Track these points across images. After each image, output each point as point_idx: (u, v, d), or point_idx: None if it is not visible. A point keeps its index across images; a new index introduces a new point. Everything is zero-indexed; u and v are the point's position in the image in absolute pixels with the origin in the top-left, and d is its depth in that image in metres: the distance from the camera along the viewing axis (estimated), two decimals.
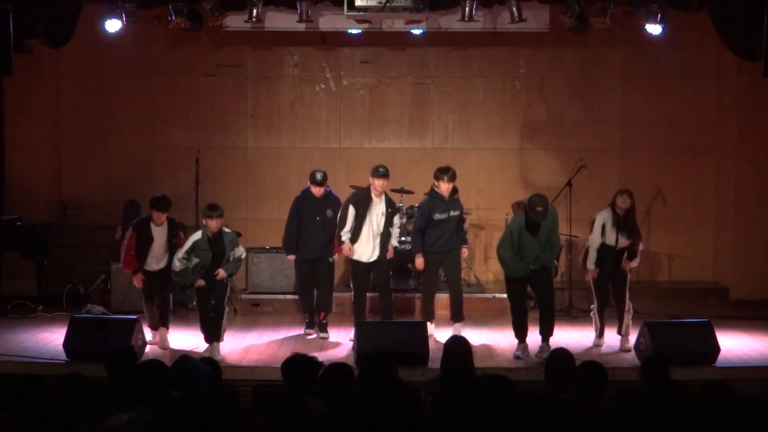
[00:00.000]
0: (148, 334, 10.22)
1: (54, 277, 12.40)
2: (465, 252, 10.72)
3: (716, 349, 9.25)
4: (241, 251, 9.92)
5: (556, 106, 13.70)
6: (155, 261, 10.18)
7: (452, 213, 10.50)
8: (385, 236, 10.58)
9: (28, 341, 10.22)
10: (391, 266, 10.86)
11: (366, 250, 10.54)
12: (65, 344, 9.27)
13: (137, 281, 10.21)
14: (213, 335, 9.78)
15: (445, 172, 10.45)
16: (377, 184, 10.49)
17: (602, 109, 13.67)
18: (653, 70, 13.51)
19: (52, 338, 10.24)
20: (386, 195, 10.71)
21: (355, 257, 10.55)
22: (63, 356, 9.25)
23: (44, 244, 12.23)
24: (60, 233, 12.74)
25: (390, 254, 10.69)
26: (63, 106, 13.57)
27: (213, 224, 9.66)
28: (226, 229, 9.88)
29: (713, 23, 10.92)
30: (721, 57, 12.85)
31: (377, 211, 10.55)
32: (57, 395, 5.48)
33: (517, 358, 9.66)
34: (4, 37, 10.07)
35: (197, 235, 9.77)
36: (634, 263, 10.27)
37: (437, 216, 10.44)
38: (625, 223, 10.11)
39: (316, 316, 10.81)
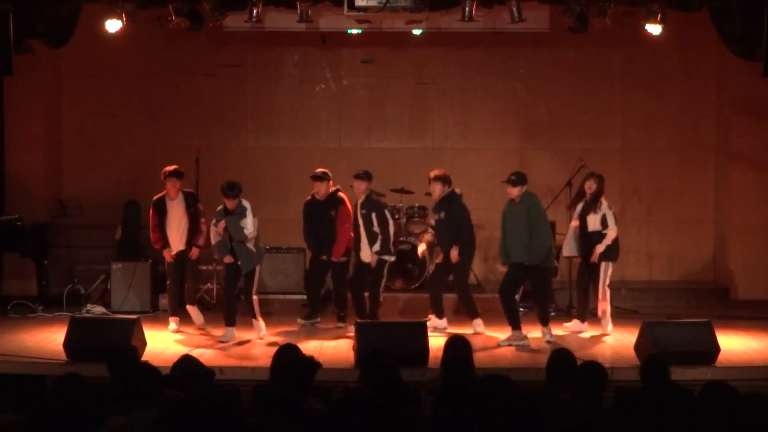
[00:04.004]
0: (172, 324, 10.77)
1: (54, 277, 12.40)
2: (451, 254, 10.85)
3: (716, 349, 9.25)
4: (248, 222, 10.20)
5: (556, 106, 13.71)
6: (176, 238, 10.78)
7: (440, 215, 10.89)
8: (370, 236, 10.67)
9: (28, 341, 10.21)
10: (372, 270, 10.76)
11: (363, 249, 10.77)
12: (65, 344, 9.26)
13: (167, 256, 10.81)
14: (230, 320, 10.27)
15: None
16: (353, 185, 10.79)
17: (602, 109, 13.68)
18: (653, 70, 13.52)
19: (52, 338, 10.23)
20: (371, 196, 10.80)
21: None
22: (63, 356, 9.24)
23: (44, 244, 12.24)
24: (60, 233, 12.75)
25: (372, 261, 10.74)
26: (63, 106, 13.58)
27: (228, 204, 10.24)
28: (244, 202, 10.32)
29: (713, 23, 10.91)
30: (721, 57, 12.85)
31: (358, 212, 10.77)
32: (56, 395, 5.48)
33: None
34: (4, 37, 10.05)
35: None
36: (598, 248, 10.63)
37: (433, 216, 11.25)
38: (589, 206, 10.72)
39: (321, 310, 11.17)
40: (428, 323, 10.22)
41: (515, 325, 10.18)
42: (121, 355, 6.93)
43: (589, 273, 10.80)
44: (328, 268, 11.05)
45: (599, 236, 10.65)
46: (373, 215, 10.66)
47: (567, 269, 12.22)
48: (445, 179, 10.84)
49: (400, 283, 12.10)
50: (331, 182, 10.96)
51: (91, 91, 13.52)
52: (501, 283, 10.42)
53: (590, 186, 10.74)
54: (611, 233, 10.63)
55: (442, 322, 10.91)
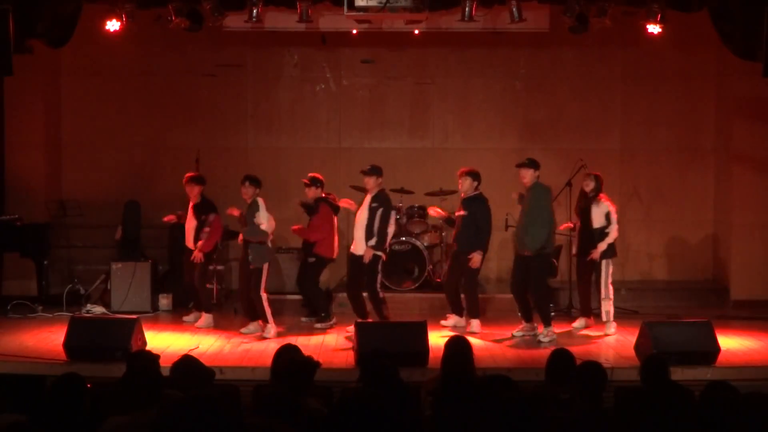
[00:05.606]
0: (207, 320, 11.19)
1: (54, 277, 12.40)
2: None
3: (716, 349, 9.25)
4: (260, 219, 10.39)
5: (556, 107, 13.70)
6: (189, 234, 11.18)
7: (463, 213, 10.92)
8: (369, 230, 10.76)
9: (28, 341, 10.21)
10: (366, 267, 10.80)
11: (357, 242, 10.89)
12: (65, 344, 9.26)
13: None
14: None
15: None
16: (363, 181, 10.94)
17: (602, 109, 13.68)
18: (653, 71, 13.52)
19: (52, 338, 10.23)
20: (383, 192, 10.95)
21: None
22: (63, 356, 9.24)
23: (44, 244, 12.23)
24: (60, 233, 12.75)
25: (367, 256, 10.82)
26: (63, 106, 13.58)
27: (243, 191, 10.53)
28: (258, 200, 10.53)
29: (713, 23, 10.91)
30: (721, 57, 12.84)
31: (366, 205, 10.87)
32: (56, 395, 5.48)
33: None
34: (4, 37, 10.05)
35: None
36: (600, 246, 10.75)
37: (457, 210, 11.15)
38: (590, 200, 10.90)
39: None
40: (447, 323, 10.83)
41: (527, 318, 10.54)
42: (142, 357, 6.92)
43: (590, 271, 10.95)
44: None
45: (602, 234, 10.76)
46: (380, 211, 10.71)
47: (567, 269, 12.22)
48: (475, 175, 10.85)
49: (401, 283, 12.09)
50: (319, 188, 11.12)
51: (91, 91, 13.52)
52: (511, 278, 10.74)
53: (588, 185, 10.96)
54: (614, 231, 10.78)
55: (462, 320, 11.01)
